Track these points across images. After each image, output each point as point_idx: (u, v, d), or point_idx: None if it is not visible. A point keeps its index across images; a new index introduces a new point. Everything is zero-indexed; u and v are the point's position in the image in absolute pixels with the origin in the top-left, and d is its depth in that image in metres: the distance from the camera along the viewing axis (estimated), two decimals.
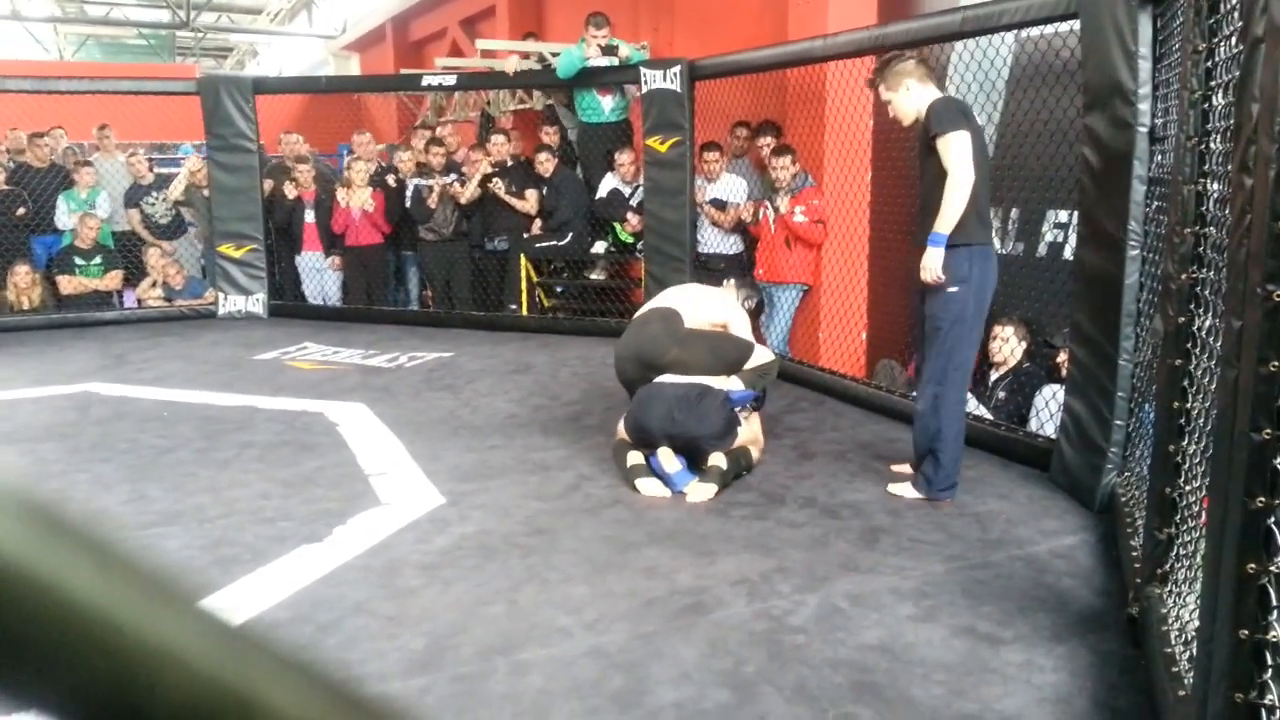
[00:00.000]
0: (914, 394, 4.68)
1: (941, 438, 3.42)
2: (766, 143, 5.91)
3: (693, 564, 2.95)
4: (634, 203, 6.68)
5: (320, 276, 7.76)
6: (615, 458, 3.81)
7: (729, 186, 6.16)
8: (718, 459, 3.61)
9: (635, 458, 3.69)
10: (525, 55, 7.71)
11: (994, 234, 3.71)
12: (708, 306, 4.21)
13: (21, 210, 7.47)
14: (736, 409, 3.75)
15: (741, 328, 4.17)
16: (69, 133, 8.78)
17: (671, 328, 4.00)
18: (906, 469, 3.74)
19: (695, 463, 3.68)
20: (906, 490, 3.53)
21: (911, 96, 3.44)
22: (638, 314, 4.26)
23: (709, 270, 6.26)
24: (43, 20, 18.81)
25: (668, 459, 3.62)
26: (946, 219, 3.30)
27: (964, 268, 3.35)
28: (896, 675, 2.30)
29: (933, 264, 3.34)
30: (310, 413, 4.77)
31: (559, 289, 7.40)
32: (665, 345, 3.92)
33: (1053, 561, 2.97)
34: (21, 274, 7.33)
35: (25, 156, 7.89)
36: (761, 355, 4.02)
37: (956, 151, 3.27)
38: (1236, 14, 2.05)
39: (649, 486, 3.58)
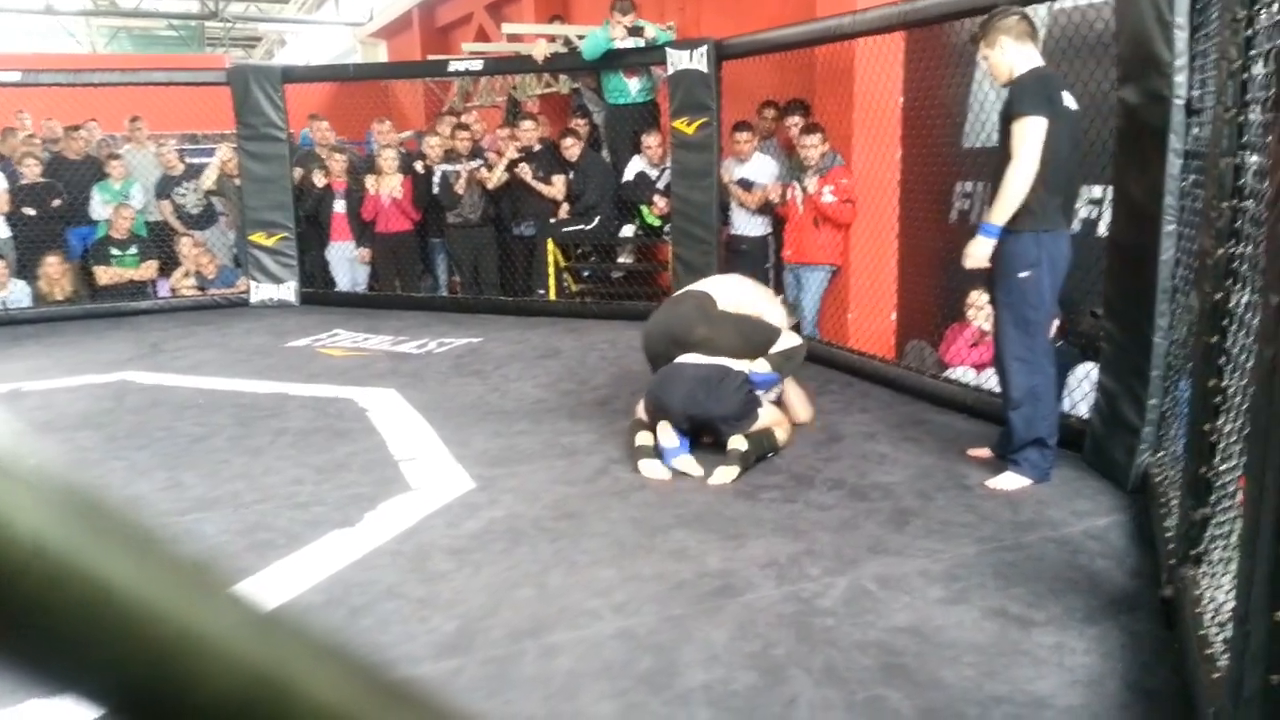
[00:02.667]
0: (945, 375, 4.66)
1: (1046, 425, 3.36)
2: (794, 122, 5.86)
3: (721, 547, 2.95)
4: (661, 185, 6.66)
5: (352, 267, 7.81)
6: (627, 437, 3.84)
7: (757, 167, 6.12)
8: (737, 441, 3.61)
9: (642, 438, 3.73)
10: (551, 39, 7.69)
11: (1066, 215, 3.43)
12: (744, 296, 4.22)
13: (57, 201, 7.58)
14: (758, 391, 3.76)
15: (776, 319, 4.16)
16: (103, 125, 8.89)
17: (704, 308, 4.02)
18: (985, 452, 3.68)
19: (716, 444, 3.68)
20: (1010, 482, 3.39)
21: (1006, 54, 3.31)
22: (673, 295, 4.27)
23: (736, 252, 6.24)
24: (75, 14, 19.03)
25: (665, 434, 3.65)
26: (1000, 209, 3.23)
27: (1032, 252, 3.26)
28: (926, 657, 2.29)
29: (978, 252, 3.29)
30: (342, 399, 4.82)
31: (586, 273, 7.40)
32: (695, 323, 3.95)
33: (1085, 542, 2.94)
34: (52, 264, 7.41)
35: (60, 148, 8.02)
36: (788, 339, 4.01)
37: (1024, 138, 3.17)
38: None
39: (650, 468, 3.60)
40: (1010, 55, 3.31)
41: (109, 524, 0.31)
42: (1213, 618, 2.11)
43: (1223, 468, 2.30)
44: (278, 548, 3.01)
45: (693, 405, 3.67)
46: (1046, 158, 3.18)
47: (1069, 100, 3.30)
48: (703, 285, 4.28)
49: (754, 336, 3.96)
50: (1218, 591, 2.18)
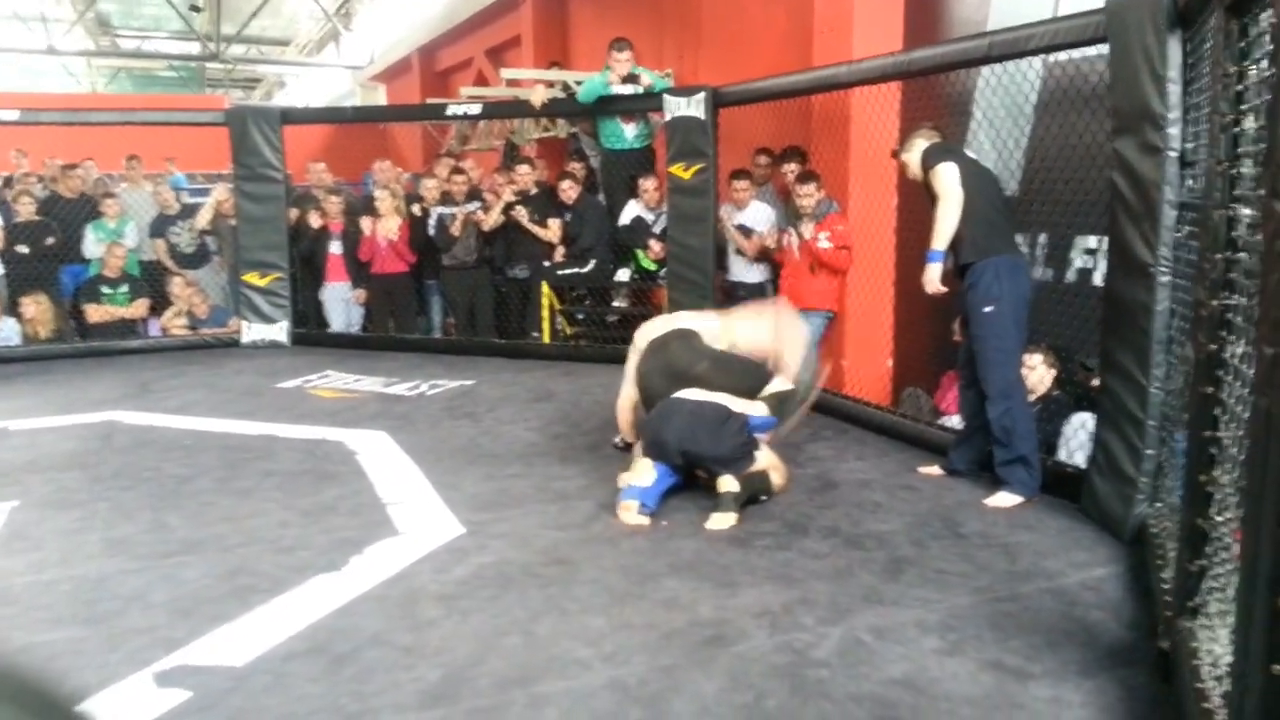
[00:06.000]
0: (940, 422, 4.64)
1: (1025, 444, 3.70)
2: (790, 169, 5.89)
3: (713, 595, 2.90)
4: (657, 229, 6.68)
5: (347, 308, 7.80)
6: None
7: (754, 214, 6.14)
8: (729, 483, 3.57)
9: (622, 480, 3.72)
10: (549, 84, 7.76)
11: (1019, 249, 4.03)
12: (706, 325, 4.25)
13: (50, 239, 7.57)
14: (756, 434, 3.74)
15: (748, 333, 4.19)
16: (101, 164, 8.91)
17: (695, 345, 4.05)
18: (936, 470, 4.09)
19: (709, 483, 3.68)
20: (1005, 500, 3.70)
21: (917, 152, 3.93)
22: (649, 340, 4.22)
23: (735, 299, 6.23)
24: (76, 54, 19.21)
25: (641, 472, 3.64)
26: (939, 236, 3.78)
27: (993, 287, 3.70)
28: (921, 710, 2.24)
29: (930, 276, 3.81)
30: (330, 441, 4.77)
31: (581, 316, 7.40)
32: (695, 358, 3.97)
33: (1082, 594, 2.90)
34: (29, 304, 7.34)
35: (56, 186, 8.04)
36: (780, 382, 4.00)
37: (940, 179, 3.77)
38: (1268, 38, 2.01)
39: (624, 513, 3.56)
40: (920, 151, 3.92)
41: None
42: (1210, 671, 2.08)
43: (1219, 519, 2.27)
44: (261, 592, 2.95)
45: (689, 441, 3.65)
46: (967, 195, 3.73)
47: (973, 157, 3.98)
48: (676, 323, 4.26)
49: (748, 375, 3.96)
50: (1215, 645, 2.14)
